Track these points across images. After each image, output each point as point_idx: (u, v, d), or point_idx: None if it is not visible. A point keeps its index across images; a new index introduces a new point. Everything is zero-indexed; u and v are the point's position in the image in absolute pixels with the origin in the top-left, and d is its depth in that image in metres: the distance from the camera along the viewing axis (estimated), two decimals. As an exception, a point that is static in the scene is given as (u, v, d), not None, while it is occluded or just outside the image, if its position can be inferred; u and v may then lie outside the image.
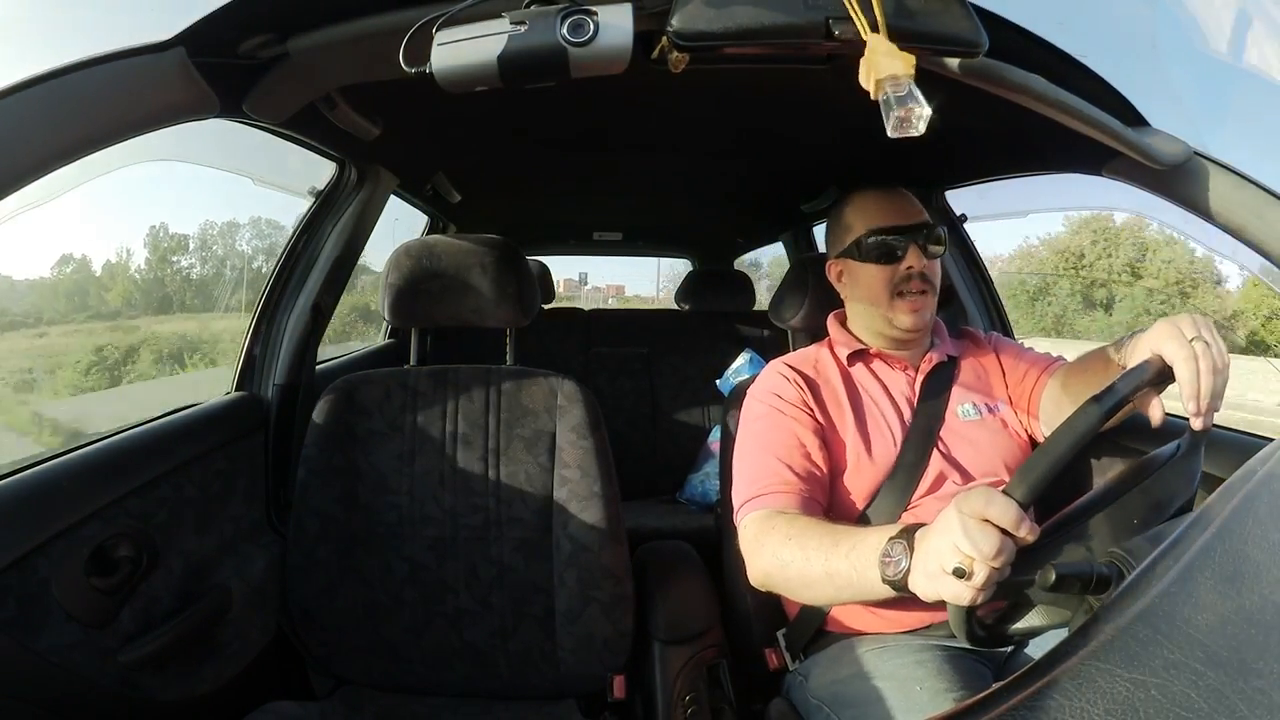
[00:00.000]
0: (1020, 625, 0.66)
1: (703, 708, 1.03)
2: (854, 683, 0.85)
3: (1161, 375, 0.66)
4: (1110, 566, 0.55)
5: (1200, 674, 0.34)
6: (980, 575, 0.56)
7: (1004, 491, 0.58)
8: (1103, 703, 0.33)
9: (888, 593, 0.67)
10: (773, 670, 1.01)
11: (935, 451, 0.94)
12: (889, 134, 0.58)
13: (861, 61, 0.58)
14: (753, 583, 0.88)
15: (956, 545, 0.57)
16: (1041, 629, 0.66)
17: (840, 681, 0.87)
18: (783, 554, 0.80)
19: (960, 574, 0.56)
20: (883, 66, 0.57)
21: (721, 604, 1.13)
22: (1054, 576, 0.54)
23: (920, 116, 0.57)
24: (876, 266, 0.98)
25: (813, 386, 0.99)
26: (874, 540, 0.69)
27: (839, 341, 1.05)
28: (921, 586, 0.62)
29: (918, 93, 0.57)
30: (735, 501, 0.94)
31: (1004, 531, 0.56)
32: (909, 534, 0.66)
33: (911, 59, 0.58)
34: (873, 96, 0.59)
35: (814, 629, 0.96)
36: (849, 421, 0.96)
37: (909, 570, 0.64)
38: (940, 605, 0.62)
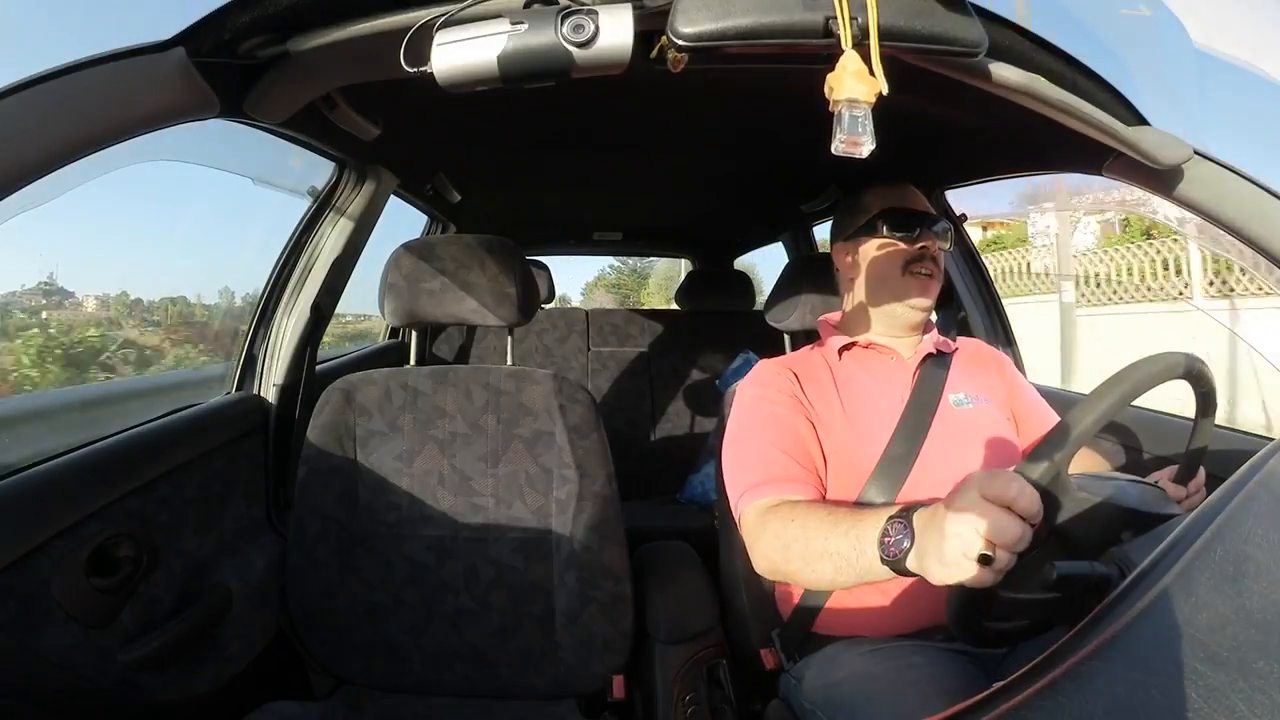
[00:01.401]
0: (1019, 625, 0.66)
1: (702, 708, 1.03)
2: (846, 686, 0.85)
3: (1181, 373, 0.65)
4: (1110, 566, 0.56)
5: (1200, 674, 0.34)
6: (1003, 561, 0.55)
7: (1023, 476, 0.57)
8: (1103, 703, 0.33)
9: (888, 573, 0.66)
10: (770, 670, 1.01)
11: (927, 439, 0.94)
12: (833, 150, 0.59)
13: (829, 75, 0.59)
14: (757, 569, 0.87)
15: (978, 531, 0.55)
16: (1041, 629, 0.66)
17: (832, 685, 0.87)
18: (784, 534, 0.79)
19: (986, 561, 0.55)
20: (846, 87, 0.58)
21: (720, 604, 1.13)
22: (1054, 576, 0.54)
23: (865, 148, 0.58)
24: (892, 242, 1.00)
25: (802, 380, 1.00)
26: (874, 520, 0.68)
27: (830, 338, 1.06)
28: (936, 573, 0.59)
29: (869, 125, 0.58)
30: (733, 491, 0.93)
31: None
32: (907, 514, 0.65)
33: (876, 85, 0.58)
34: (830, 109, 0.59)
35: (806, 630, 0.96)
36: (840, 411, 0.97)
37: (909, 551, 0.62)
38: (933, 607, 0.62)
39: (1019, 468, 0.58)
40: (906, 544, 0.63)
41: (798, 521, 0.79)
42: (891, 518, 0.66)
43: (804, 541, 0.76)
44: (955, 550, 0.56)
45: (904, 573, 0.64)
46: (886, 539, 0.65)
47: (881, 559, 0.65)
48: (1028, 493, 0.55)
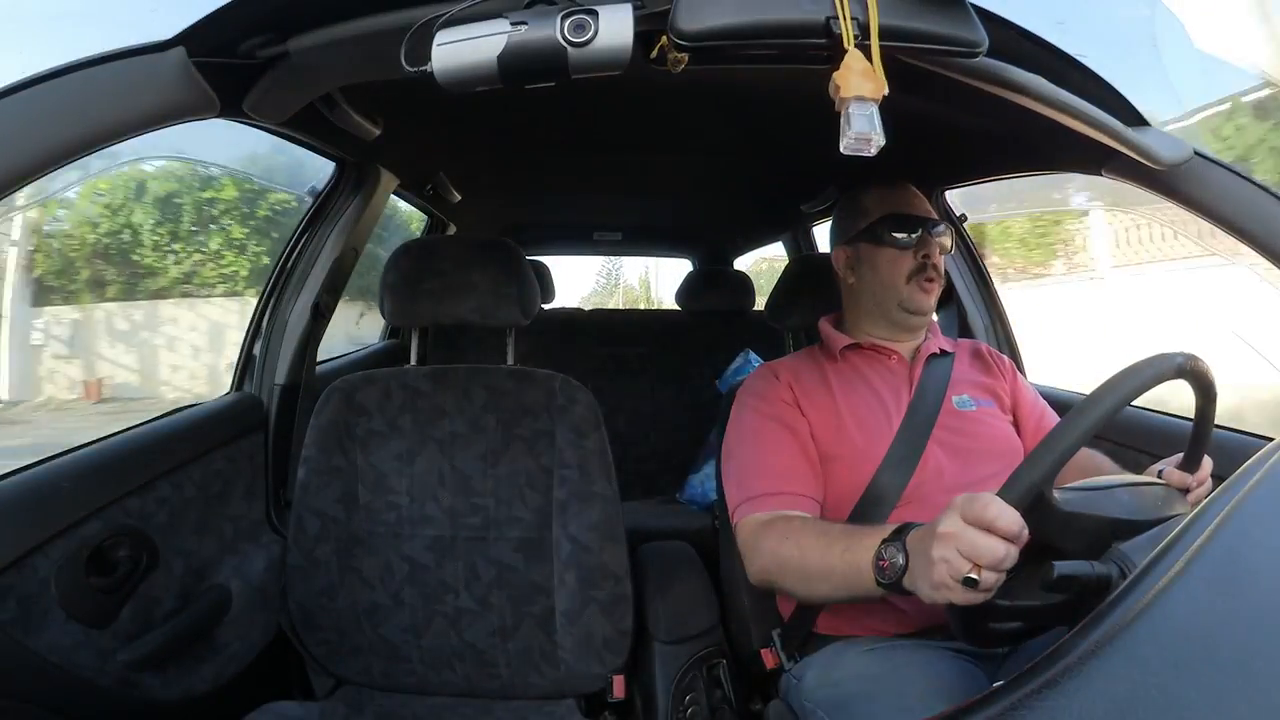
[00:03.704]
0: (1019, 625, 0.66)
1: (702, 708, 1.03)
2: (846, 685, 0.85)
3: (1180, 376, 0.64)
4: (1110, 566, 0.56)
5: (1200, 674, 0.34)
6: (990, 580, 0.56)
7: (1002, 497, 0.58)
8: (1103, 703, 0.33)
9: (880, 594, 0.69)
10: (770, 670, 1.01)
11: (931, 441, 0.94)
12: (841, 150, 0.59)
13: (836, 73, 0.59)
14: (752, 581, 0.89)
15: (962, 554, 0.57)
16: (1041, 628, 0.66)
17: (832, 685, 0.87)
18: (780, 552, 0.81)
19: (971, 584, 0.56)
20: (853, 85, 0.58)
21: (720, 604, 1.14)
22: (1054, 575, 0.54)
23: (875, 144, 0.58)
24: (893, 250, 0.99)
25: (803, 385, 0.99)
26: (868, 542, 0.70)
27: (831, 338, 1.05)
28: (927, 595, 0.62)
29: (878, 121, 0.58)
30: (730, 503, 0.94)
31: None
32: (901, 535, 0.67)
33: (883, 83, 0.58)
34: (836, 108, 0.59)
35: (806, 631, 0.96)
36: (842, 414, 0.96)
37: (905, 571, 0.64)
38: (933, 607, 0.62)
39: (999, 490, 0.59)
40: (901, 562, 0.65)
41: (792, 540, 0.80)
42: (885, 541, 0.68)
43: (800, 562, 0.78)
44: (941, 574, 0.58)
45: (900, 593, 0.66)
46: (882, 562, 0.67)
47: (877, 581, 0.67)
48: (1007, 514, 0.56)
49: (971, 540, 0.56)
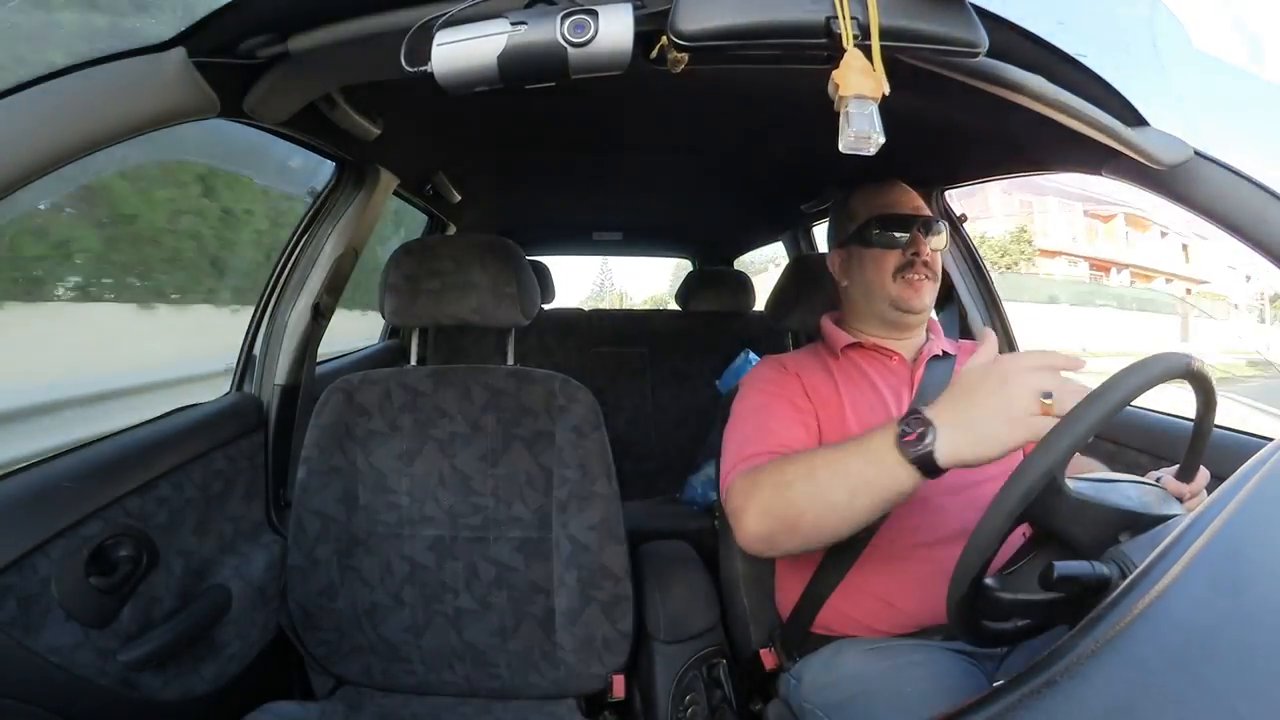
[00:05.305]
0: (1020, 625, 0.66)
1: (702, 708, 1.03)
2: (844, 685, 0.85)
3: (1186, 376, 0.64)
4: (1110, 566, 0.56)
5: (1200, 674, 0.34)
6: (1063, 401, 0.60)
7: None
8: (1102, 702, 0.33)
9: (910, 482, 0.66)
10: (770, 671, 1.01)
11: None
12: (840, 149, 0.59)
13: (835, 72, 0.59)
14: (749, 534, 0.79)
15: (1034, 387, 0.61)
16: (1041, 629, 0.66)
17: (831, 685, 0.87)
18: (786, 472, 0.76)
19: (1049, 397, 0.61)
20: (852, 84, 0.58)
21: (720, 604, 1.14)
22: (1055, 576, 0.54)
23: (875, 143, 0.58)
24: (881, 251, 0.99)
25: (809, 378, 0.99)
26: (880, 430, 0.69)
27: (833, 336, 1.05)
28: (1004, 437, 0.62)
29: (877, 120, 0.58)
30: (725, 469, 0.90)
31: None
32: (915, 412, 0.66)
33: (882, 81, 0.58)
34: (836, 107, 0.59)
35: (805, 630, 0.96)
36: (843, 410, 0.96)
37: (934, 443, 0.63)
38: (933, 607, 0.62)
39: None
40: (930, 437, 0.63)
41: (798, 460, 0.77)
42: (902, 419, 0.66)
43: (809, 473, 0.74)
44: (1019, 408, 0.61)
45: (931, 469, 0.64)
46: (907, 438, 0.64)
47: (908, 458, 0.65)
48: (1049, 356, 0.64)
49: (1039, 375, 0.62)
